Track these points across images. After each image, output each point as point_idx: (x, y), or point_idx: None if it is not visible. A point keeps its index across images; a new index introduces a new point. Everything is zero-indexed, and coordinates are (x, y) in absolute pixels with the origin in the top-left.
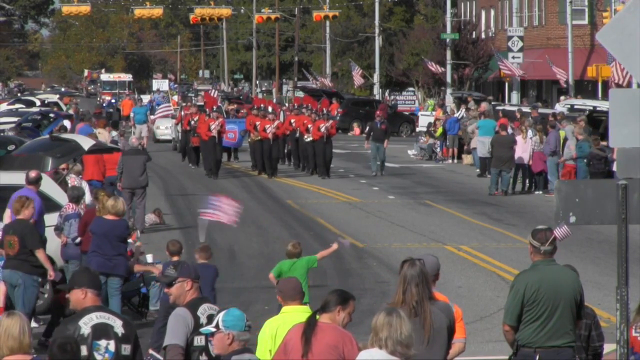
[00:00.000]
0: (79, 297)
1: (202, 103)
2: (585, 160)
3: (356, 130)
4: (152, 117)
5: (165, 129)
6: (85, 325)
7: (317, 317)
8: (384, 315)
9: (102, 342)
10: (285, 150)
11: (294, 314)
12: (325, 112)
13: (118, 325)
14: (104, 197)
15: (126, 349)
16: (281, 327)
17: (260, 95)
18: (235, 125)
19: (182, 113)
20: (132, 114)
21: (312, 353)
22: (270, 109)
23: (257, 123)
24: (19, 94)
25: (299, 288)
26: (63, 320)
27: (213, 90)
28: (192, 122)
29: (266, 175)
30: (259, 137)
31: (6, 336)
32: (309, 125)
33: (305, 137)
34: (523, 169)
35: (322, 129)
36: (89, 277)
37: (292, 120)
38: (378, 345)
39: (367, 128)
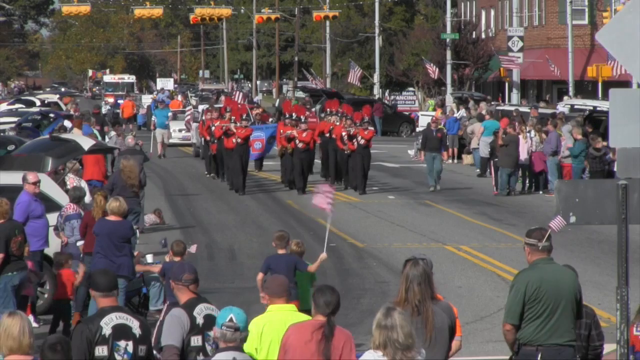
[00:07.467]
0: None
1: (220, 105)
2: (584, 160)
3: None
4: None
5: (174, 132)
6: (107, 325)
7: (333, 321)
8: (380, 317)
9: (122, 343)
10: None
11: (280, 313)
12: (366, 119)
13: (136, 326)
14: (98, 197)
15: (142, 350)
16: (267, 325)
17: (260, 96)
18: (262, 132)
19: (204, 117)
20: (153, 118)
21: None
22: (302, 117)
23: (287, 132)
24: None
25: (286, 286)
26: (83, 319)
27: (237, 93)
28: (213, 128)
29: (297, 191)
30: (291, 150)
31: (6, 336)
32: (343, 134)
33: (346, 151)
34: (523, 168)
35: (354, 143)
36: (107, 278)
37: (323, 134)
38: (376, 350)
39: (421, 136)
